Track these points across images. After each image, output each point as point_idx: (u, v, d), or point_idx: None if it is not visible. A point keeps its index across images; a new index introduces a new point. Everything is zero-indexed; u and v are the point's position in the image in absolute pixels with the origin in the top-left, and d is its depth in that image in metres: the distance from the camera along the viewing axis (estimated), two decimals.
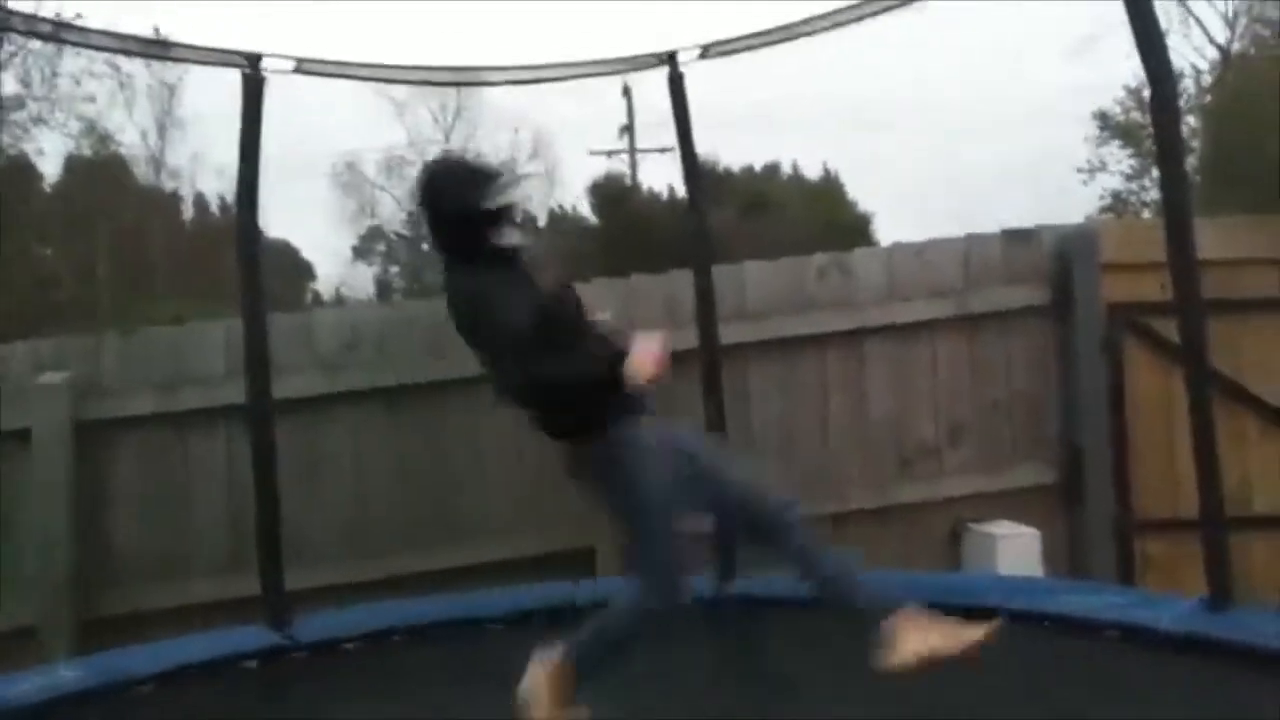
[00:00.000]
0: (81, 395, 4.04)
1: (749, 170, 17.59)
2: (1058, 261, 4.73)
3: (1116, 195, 15.36)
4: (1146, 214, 13.50)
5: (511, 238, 2.45)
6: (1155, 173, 14.27)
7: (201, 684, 3.04)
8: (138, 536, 4.11)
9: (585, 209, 17.03)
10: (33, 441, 3.98)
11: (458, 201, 2.40)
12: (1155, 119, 3.11)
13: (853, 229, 13.63)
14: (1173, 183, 3.00)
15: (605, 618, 2.36)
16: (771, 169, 18.53)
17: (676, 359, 3.15)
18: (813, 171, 18.38)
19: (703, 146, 4.13)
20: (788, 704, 2.72)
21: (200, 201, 19.94)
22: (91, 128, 13.91)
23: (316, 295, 20.64)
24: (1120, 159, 15.50)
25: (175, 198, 18.99)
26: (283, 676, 3.22)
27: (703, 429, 4.12)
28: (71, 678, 2.99)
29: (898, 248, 4.81)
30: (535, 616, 3.43)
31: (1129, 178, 15.39)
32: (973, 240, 4.78)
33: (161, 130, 18.04)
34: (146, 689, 3.00)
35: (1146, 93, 4.45)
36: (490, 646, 3.27)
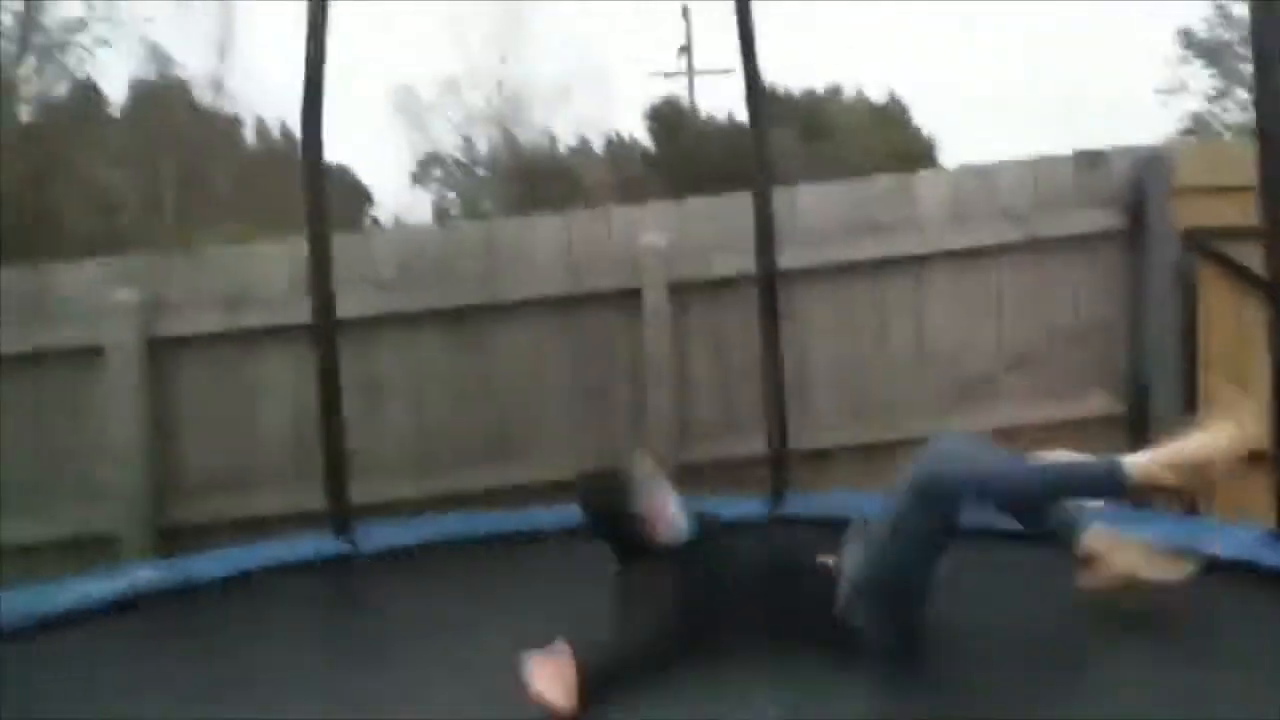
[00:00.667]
0: (151, 313, 4.15)
1: (810, 93, 17.17)
2: (1131, 186, 4.55)
3: (1197, 117, 14.70)
4: (1228, 137, 12.90)
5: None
6: (1239, 94, 13.63)
7: (270, 586, 3.16)
8: (207, 450, 4.25)
9: (642, 134, 16.82)
10: (106, 357, 4.12)
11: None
12: (1254, 18, 2.92)
13: (917, 154, 13.27)
14: (1267, 92, 2.83)
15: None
16: (834, 91, 18.05)
17: (731, 284, 3.09)
18: (878, 94, 17.87)
19: (764, 66, 4.02)
20: None
21: (261, 126, 20.12)
22: (154, 50, 14.04)
23: (375, 220, 20.84)
24: (1203, 79, 14.78)
25: (236, 122, 19.17)
26: (346, 580, 3.33)
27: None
28: (149, 577, 3.13)
29: (963, 170, 4.68)
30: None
31: (1211, 99, 14.70)
32: (1042, 163, 4.62)
33: (222, 52, 18.14)
34: (218, 590, 3.13)
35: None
36: (543, 556, 3.34)
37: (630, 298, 4.36)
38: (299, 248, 3.82)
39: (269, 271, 4.27)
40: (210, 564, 3.28)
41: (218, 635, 2.85)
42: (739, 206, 4.30)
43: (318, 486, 3.68)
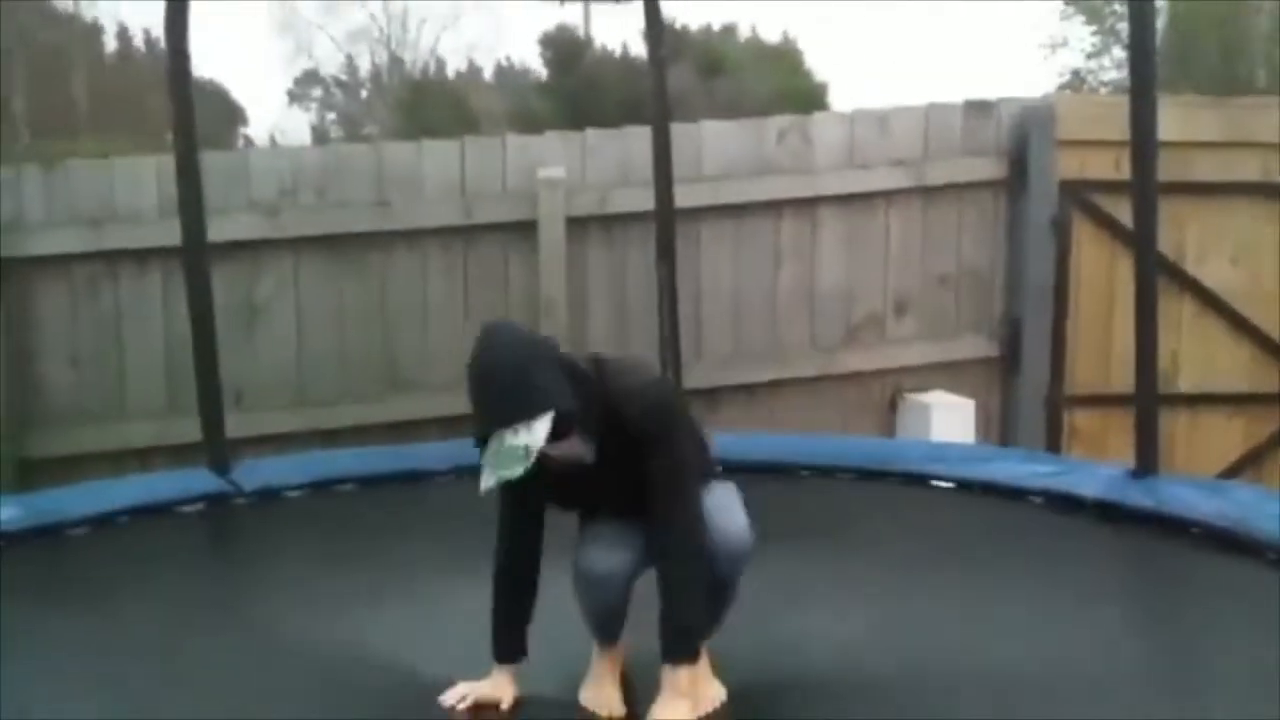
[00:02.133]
0: (3, 230, 3.83)
1: (706, 30, 17.04)
2: (1015, 136, 4.70)
3: (1075, 73, 15.24)
4: (1103, 94, 13.45)
5: None
6: (1116, 52, 14.18)
7: (142, 526, 3.01)
8: (70, 378, 3.99)
9: (535, 62, 16.39)
10: None
11: None
12: None
13: (809, 96, 13.37)
14: (1141, 51, 2.94)
15: (714, 610, 2.02)
16: (729, 30, 17.97)
17: (630, 220, 3.07)
18: (772, 35, 17.88)
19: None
20: None
21: (123, 33, 18.73)
22: None
23: (249, 140, 19.79)
24: (1083, 35, 15.30)
25: (96, 28, 17.79)
26: (225, 521, 3.20)
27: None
28: (5, 516, 2.93)
29: (859, 114, 4.72)
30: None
31: (1089, 55, 15.25)
32: (933, 110, 4.72)
33: None
34: (83, 529, 2.96)
35: None
36: (435, 498, 3.29)
37: (526, 230, 4.28)
38: (168, 163, 3.59)
39: (135, 189, 3.99)
40: (76, 499, 3.09)
41: (85, 579, 2.69)
42: (638, 141, 4.25)
43: (192, 417, 3.52)
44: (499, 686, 2.03)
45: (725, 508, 2.03)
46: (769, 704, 2.06)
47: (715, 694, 2.02)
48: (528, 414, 1.82)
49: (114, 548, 2.89)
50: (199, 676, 2.16)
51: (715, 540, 1.97)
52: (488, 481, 1.84)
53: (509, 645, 2.04)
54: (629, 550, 2.03)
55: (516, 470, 1.82)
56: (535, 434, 1.82)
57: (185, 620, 2.43)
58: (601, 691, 2.07)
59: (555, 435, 1.85)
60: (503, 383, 1.85)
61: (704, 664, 2.01)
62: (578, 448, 1.95)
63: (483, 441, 1.86)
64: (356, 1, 19.54)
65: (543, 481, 1.92)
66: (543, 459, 1.85)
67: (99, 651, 2.26)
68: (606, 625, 2.09)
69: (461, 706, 2.00)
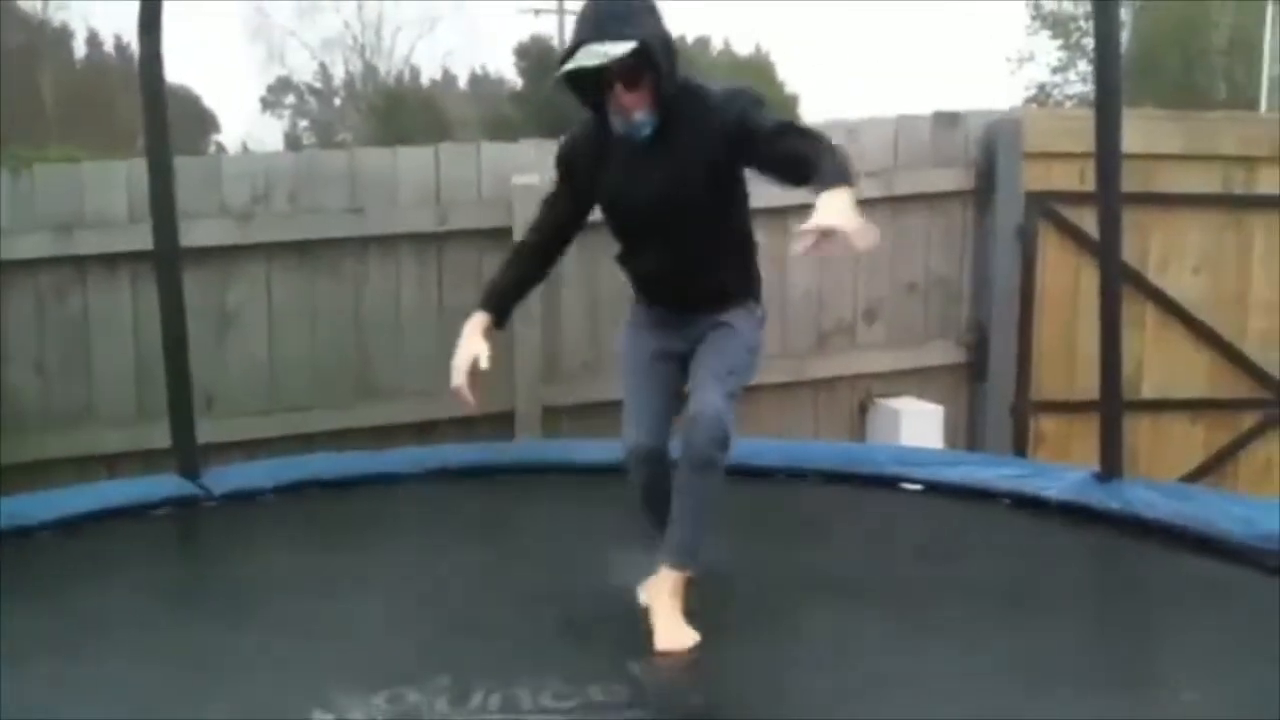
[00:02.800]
0: None
1: (680, 41, 17.20)
2: (983, 147, 4.78)
3: (1041, 87, 15.49)
4: (1069, 106, 13.66)
5: None
6: (1080, 66, 14.43)
7: (111, 531, 2.99)
8: (38, 384, 3.95)
9: (510, 71, 16.42)
10: None
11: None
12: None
13: (780, 108, 13.52)
14: (1106, 66, 3.01)
15: (698, 494, 2.17)
16: (703, 42, 18.11)
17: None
18: (745, 48, 18.04)
19: None
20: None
21: (93, 39, 18.55)
22: None
23: (220, 147, 19.66)
24: (1049, 50, 15.57)
25: (65, 32, 17.61)
26: (195, 526, 3.18)
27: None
28: None
29: (831, 125, 4.77)
30: (453, 474, 3.46)
31: (1055, 70, 15.51)
32: (903, 121, 4.79)
33: None
34: (50, 534, 2.93)
35: None
36: (407, 502, 3.29)
37: (500, 236, 4.29)
38: (139, 168, 3.57)
39: (105, 193, 3.97)
40: (42, 504, 3.06)
41: (52, 585, 2.65)
42: None
43: (162, 423, 3.50)
44: (473, 341, 2.25)
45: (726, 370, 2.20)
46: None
47: (683, 632, 2.18)
48: (616, 34, 2.03)
49: (81, 550, 2.86)
50: (171, 674, 2.15)
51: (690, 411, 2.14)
52: (566, 67, 2.03)
53: (496, 302, 2.29)
54: (664, 424, 2.25)
55: (591, 62, 2.01)
56: (617, 48, 2.02)
57: (154, 619, 2.42)
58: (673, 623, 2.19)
59: (633, 71, 2.03)
60: (612, 9, 2.06)
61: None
62: (643, 106, 2.08)
63: (568, 57, 2.06)
64: (331, 3, 19.47)
65: (595, 150, 2.15)
66: (607, 104, 2.07)
67: (68, 651, 2.24)
68: (654, 502, 2.27)
69: (466, 387, 2.26)
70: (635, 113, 2.11)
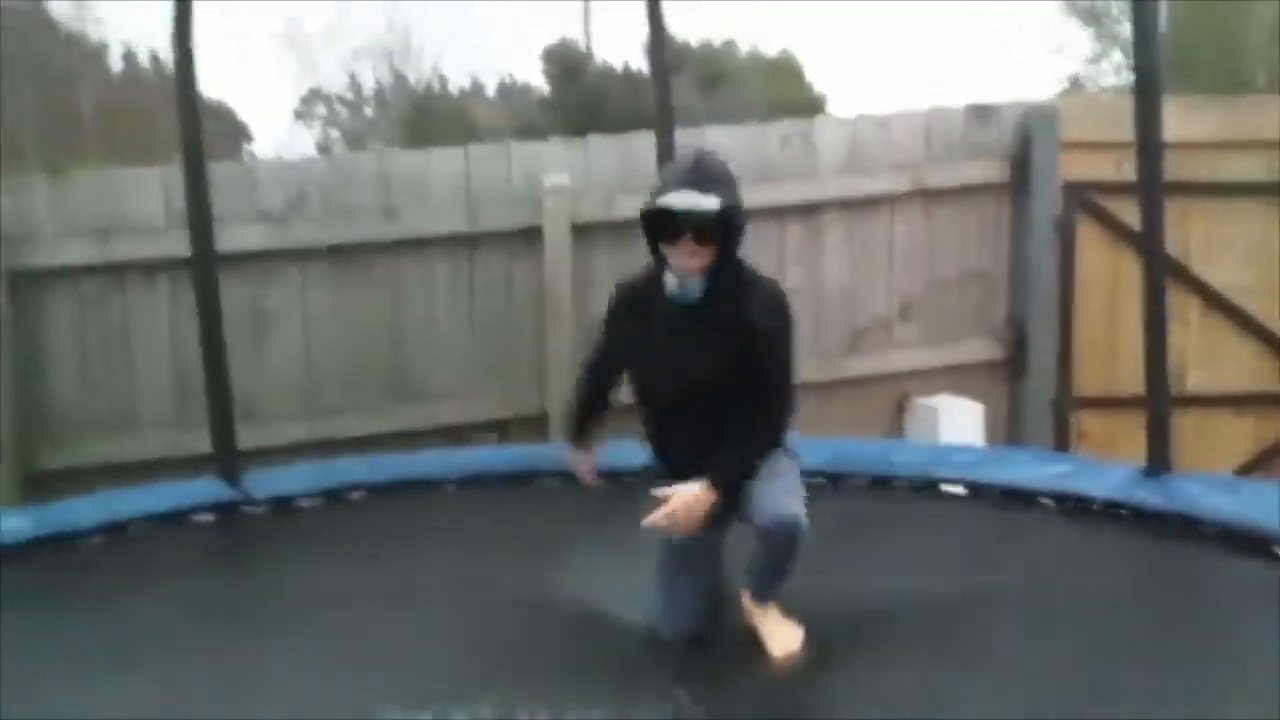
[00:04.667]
0: (11, 242, 3.85)
1: (707, 45, 17.13)
2: (1018, 138, 4.71)
3: (1074, 78, 15.25)
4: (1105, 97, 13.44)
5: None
6: (1115, 56, 14.20)
7: (152, 536, 3.01)
8: (79, 391, 4.00)
9: (537, 78, 16.46)
10: None
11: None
12: None
13: (808, 108, 13.41)
14: (1145, 51, 2.94)
15: (783, 567, 2.23)
16: (729, 44, 18.07)
17: (634, 226, 3.12)
18: (772, 49, 17.98)
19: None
20: None
21: (129, 53, 18.84)
22: None
23: (253, 158, 19.87)
24: (1082, 41, 15.31)
25: (102, 47, 17.89)
26: (236, 531, 3.20)
27: None
28: (15, 526, 2.93)
29: (861, 119, 4.74)
30: (491, 478, 3.45)
31: (1089, 60, 15.25)
32: (935, 114, 4.73)
33: None
34: (96, 540, 2.96)
35: None
36: (447, 509, 3.27)
37: (531, 237, 4.29)
38: (175, 175, 3.61)
39: (142, 201, 4.01)
40: (86, 510, 3.09)
41: (94, 590, 2.68)
42: (642, 147, 4.26)
43: (201, 429, 3.52)
44: (579, 457, 2.51)
45: (786, 490, 2.20)
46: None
47: (792, 633, 2.24)
48: (709, 189, 2.12)
49: (123, 555, 2.89)
50: (213, 682, 2.16)
51: (768, 521, 2.15)
52: (658, 200, 2.12)
53: (577, 430, 2.49)
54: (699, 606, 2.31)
55: (683, 205, 2.11)
56: (709, 201, 2.11)
57: (195, 625, 2.42)
58: None
59: (709, 230, 2.11)
60: (708, 168, 2.18)
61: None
62: (703, 266, 2.15)
63: (660, 193, 2.15)
64: (361, 19, 19.65)
65: (639, 313, 2.24)
66: (667, 254, 2.14)
67: (109, 656, 2.26)
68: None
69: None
70: (694, 271, 2.18)
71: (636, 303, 2.31)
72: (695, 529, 2.19)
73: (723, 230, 2.15)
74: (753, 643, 2.25)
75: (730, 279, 2.20)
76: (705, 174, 2.16)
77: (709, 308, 2.20)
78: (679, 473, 2.25)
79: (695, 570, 2.34)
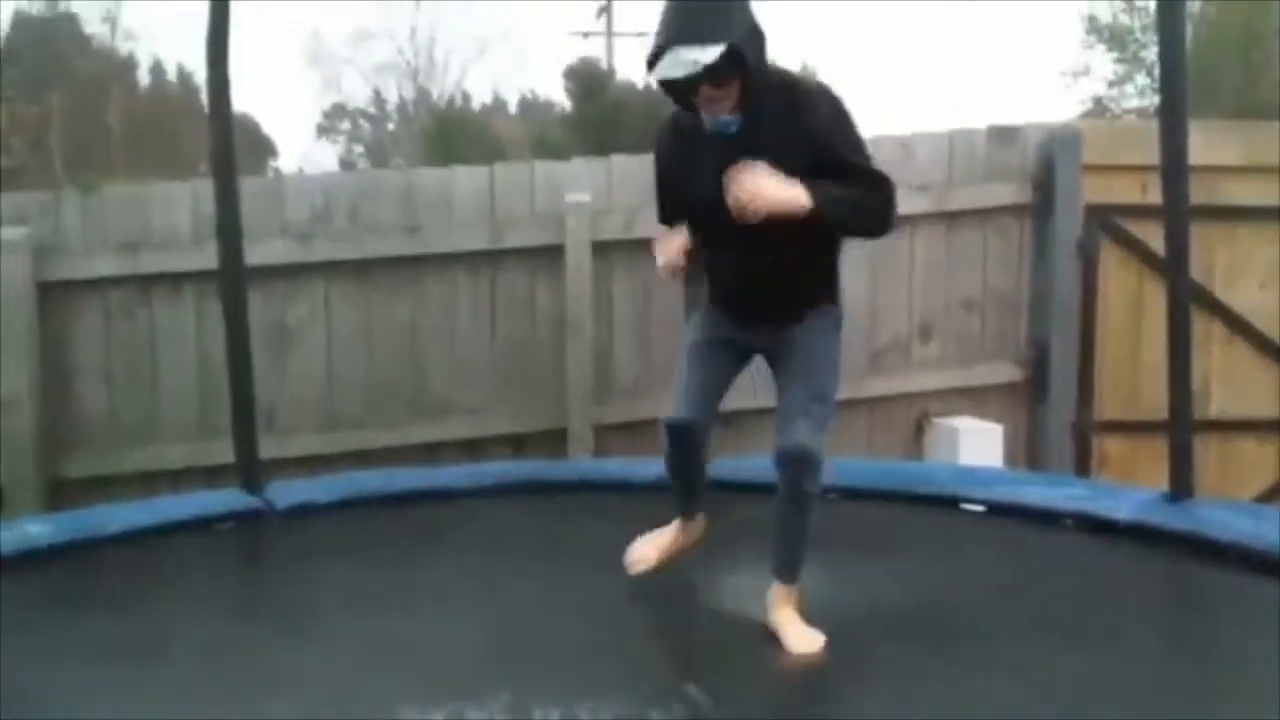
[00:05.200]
0: (42, 254, 3.91)
1: None
2: (1041, 160, 4.71)
3: (1098, 100, 15.23)
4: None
5: None
6: (1138, 79, 14.19)
7: (175, 545, 3.03)
8: (105, 400, 4.05)
9: (559, 94, 16.58)
10: None
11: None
12: (1160, 3, 3.03)
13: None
14: (1172, 74, 2.94)
15: (794, 519, 2.26)
16: None
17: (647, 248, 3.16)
18: (790, 68, 18.08)
19: None
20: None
21: (157, 67, 19.13)
22: None
23: (278, 173, 20.09)
24: (1105, 63, 15.30)
25: (131, 62, 18.19)
26: (259, 540, 3.23)
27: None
28: (38, 533, 2.97)
29: (882, 140, 4.73)
30: (508, 490, 3.47)
31: (1112, 83, 15.25)
32: (957, 135, 4.73)
33: None
34: (116, 547, 2.99)
35: None
36: (465, 520, 3.29)
37: (553, 254, 4.32)
38: (203, 189, 3.66)
39: (170, 214, 4.07)
40: (109, 517, 3.13)
41: (119, 598, 2.69)
42: None
43: (224, 439, 3.56)
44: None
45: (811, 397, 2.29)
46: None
47: (813, 636, 2.25)
48: (705, 34, 1.99)
49: (147, 563, 2.91)
50: (234, 688, 2.17)
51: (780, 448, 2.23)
52: (652, 75, 2.03)
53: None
54: (707, 401, 2.34)
55: (679, 73, 1.99)
56: (707, 53, 1.99)
57: (218, 632, 2.45)
58: (646, 546, 2.52)
59: (721, 72, 2.00)
60: (698, 9, 2.03)
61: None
62: (730, 104, 2.07)
63: (656, 58, 2.02)
64: (385, 23, 19.84)
65: (683, 144, 2.17)
66: (695, 101, 2.06)
67: (133, 663, 2.28)
68: (680, 471, 2.45)
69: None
70: (722, 112, 2.10)
71: (682, 133, 2.23)
72: (766, 206, 2.04)
73: (739, 60, 2.03)
74: (773, 643, 2.26)
75: (768, 95, 2.10)
76: (697, 17, 2.01)
77: (755, 133, 2.11)
78: (733, 304, 2.29)
79: (712, 366, 2.36)
